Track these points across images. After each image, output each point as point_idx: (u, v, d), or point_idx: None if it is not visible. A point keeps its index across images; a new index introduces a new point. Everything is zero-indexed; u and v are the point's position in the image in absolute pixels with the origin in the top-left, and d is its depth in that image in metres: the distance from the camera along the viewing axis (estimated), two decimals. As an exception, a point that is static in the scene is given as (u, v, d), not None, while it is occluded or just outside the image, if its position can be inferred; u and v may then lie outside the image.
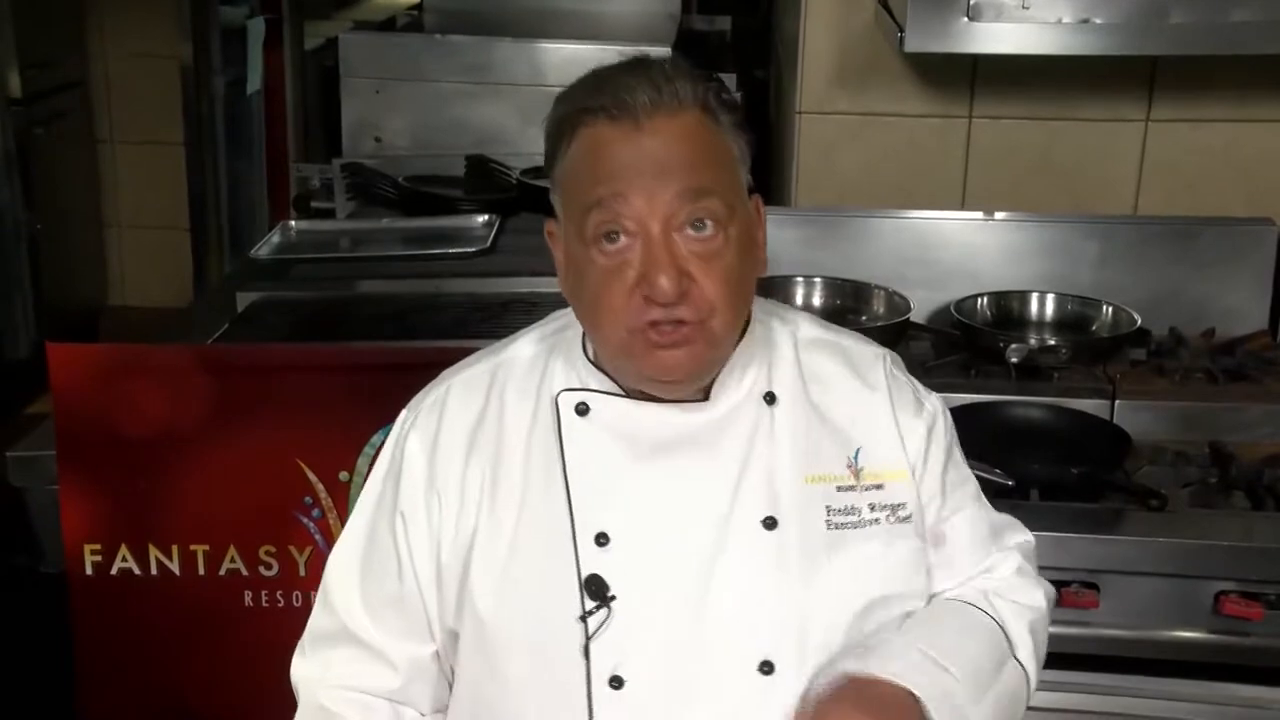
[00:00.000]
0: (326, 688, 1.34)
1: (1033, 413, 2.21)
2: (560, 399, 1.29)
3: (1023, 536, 1.46)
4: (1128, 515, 1.91)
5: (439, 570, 1.30)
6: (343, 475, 1.97)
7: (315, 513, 1.97)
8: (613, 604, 1.24)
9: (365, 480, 2.00)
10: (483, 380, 1.34)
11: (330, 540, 2.00)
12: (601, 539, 1.25)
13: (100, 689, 2.05)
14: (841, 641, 1.27)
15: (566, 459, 1.28)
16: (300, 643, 1.40)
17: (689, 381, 1.25)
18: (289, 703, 1.40)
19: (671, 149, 1.18)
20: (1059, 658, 1.86)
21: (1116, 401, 2.23)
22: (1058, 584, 1.84)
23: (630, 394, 1.28)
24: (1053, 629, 1.84)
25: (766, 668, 1.24)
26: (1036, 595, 1.42)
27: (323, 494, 1.97)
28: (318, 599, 1.39)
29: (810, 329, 1.38)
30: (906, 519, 1.32)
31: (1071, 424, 2.18)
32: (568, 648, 1.24)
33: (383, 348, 2.19)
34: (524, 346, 1.36)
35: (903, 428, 1.34)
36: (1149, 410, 2.22)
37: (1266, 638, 1.83)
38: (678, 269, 1.17)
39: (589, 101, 1.20)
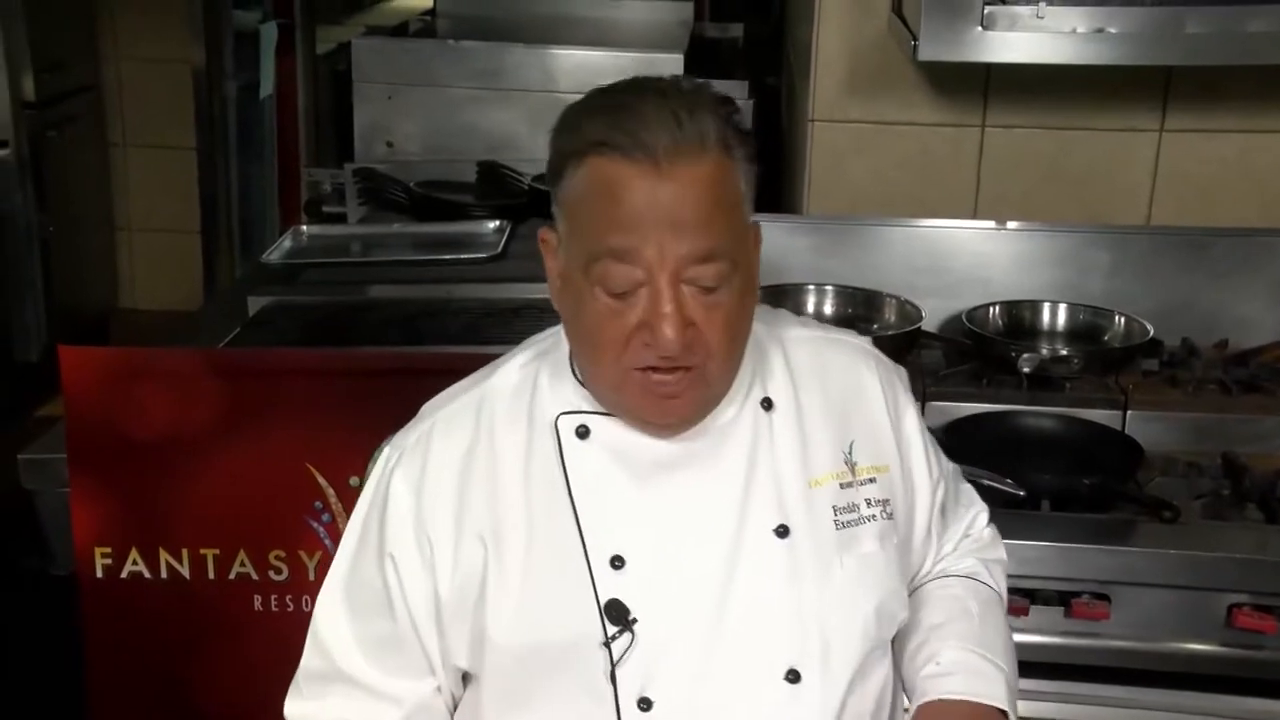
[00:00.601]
0: None
1: (1044, 423, 2.21)
2: (560, 423, 1.27)
3: (966, 483, 1.51)
4: (1139, 526, 1.90)
5: (438, 609, 1.28)
6: (353, 480, 1.97)
7: (325, 517, 1.97)
8: (635, 627, 1.22)
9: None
10: (468, 413, 1.31)
11: (338, 544, 2.00)
12: (617, 562, 1.23)
13: (111, 692, 2.05)
14: (861, 644, 1.27)
15: (571, 484, 1.26)
16: (294, 681, 1.38)
17: (682, 426, 1.25)
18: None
19: (688, 201, 1.15)
20: (1069, 669, 1.86)
21: (1128, 412, 2.22)
22: (1068, 595, 1.85)
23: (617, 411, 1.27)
24: (1064, 640, 1.85)
25: (793, 676, 1.23)
26: (1002, 547, 1.50)
27: (333, 499, 1.97)
28: (308, 639, 1.37)
29: (794, 330, 1.38)
30: (891, 516, 1.33)
31: (1083, 434, 2.18)
32: (593, 675, 1.23)
33: (394, 353, 2.19)
34: (507, 375, 1.33)
35: (897, 409, 1.36)
36: (1161, 421, 2.22)
37: (1279, 651, 1.82)
38: (682, 319, 1.16)
39: (605, 135, 1.16)
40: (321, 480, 1.96)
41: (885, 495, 1.32)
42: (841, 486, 1.30)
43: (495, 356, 1.42)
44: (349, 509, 1.98)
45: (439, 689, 1.32)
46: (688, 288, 1.16)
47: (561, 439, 1.27)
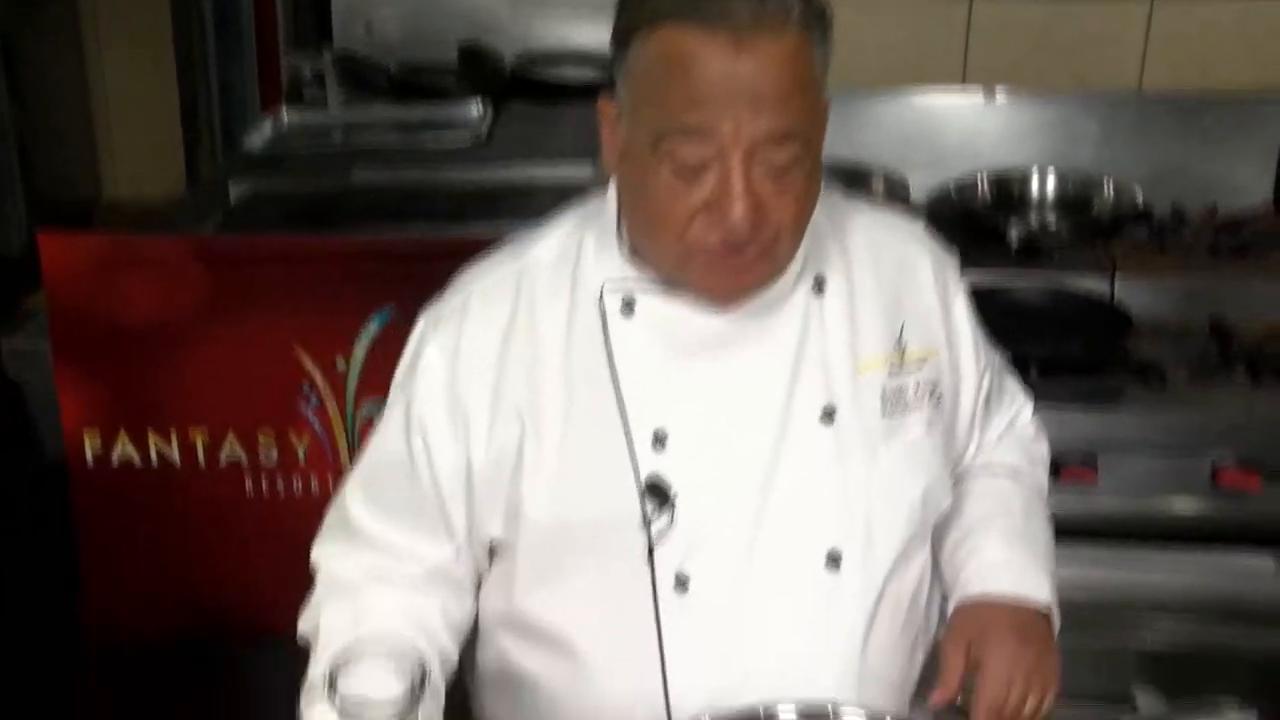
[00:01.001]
0: (345, 568, 1.32)
1: (1033, 295, 2.20)
2: (605, 297, 1.24)
3: (1011, 377, 1.48)
4: (1127, 391, 1.91)
5: (469, 479, 1.26)
6: (340, 364, 1.96)
7: (313, 401, 1.97)
8: (675, 508, 1.20)
9: (363, 369, 2.04)
10: (507, 286, 1.28)
11: (329, 429, 2.00)
12: (659, 440, 1.21)
13: (106, 581, 2.07)
14: (905, 529, 1.26)
15: (615, 359, 1.23)
16: (322, 527, 1.37)
17: (741, 300, 1.21)
18: (294, 590, 1.39)
19: (768, 78, 1.09)
20: (1059, 531, 1.87)
21: (1117, 281, 2.21)
22: (1055, 461, 1.86)
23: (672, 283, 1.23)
24: (1053, 503, 1.86)
25: (834, 558, 1.22)
26: (1045, 443, 1.49)
27: (320, 382, 1.97)
28: (338, 492, 1.36)
29: (849, 210, 1.34)
30: (939, 399, 1.30)
31: (1072, 305, 2.18)
32: (630, 554, 1.21)
33: (379, 237, 2.18)
34: (548, 248, 1.29)
35: (948, 295, 1.34)
36: (1150, 289, 2.21)
37: (1263, 509, 1.84)
38: (753, 200, 1.12)
39: (683, 4, 1.09)
40: (309, 363, 1.96)
41: (933, 381, 1.29)
42: (890, 372, 1.27)
43: (482, 241, 1.38)
44: (336, 392, 2.00)
45: (458, 557, 1.30)
46: (759, 167, 1.12)
47: (606, 313, 1.23)
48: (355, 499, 1.33)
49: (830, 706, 1.09)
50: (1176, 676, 1.86)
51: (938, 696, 1.21)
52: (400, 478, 1.29)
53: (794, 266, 1.23)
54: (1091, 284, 2.21)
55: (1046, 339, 2.05)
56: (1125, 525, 1.88)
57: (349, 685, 1.01)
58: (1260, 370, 1.97)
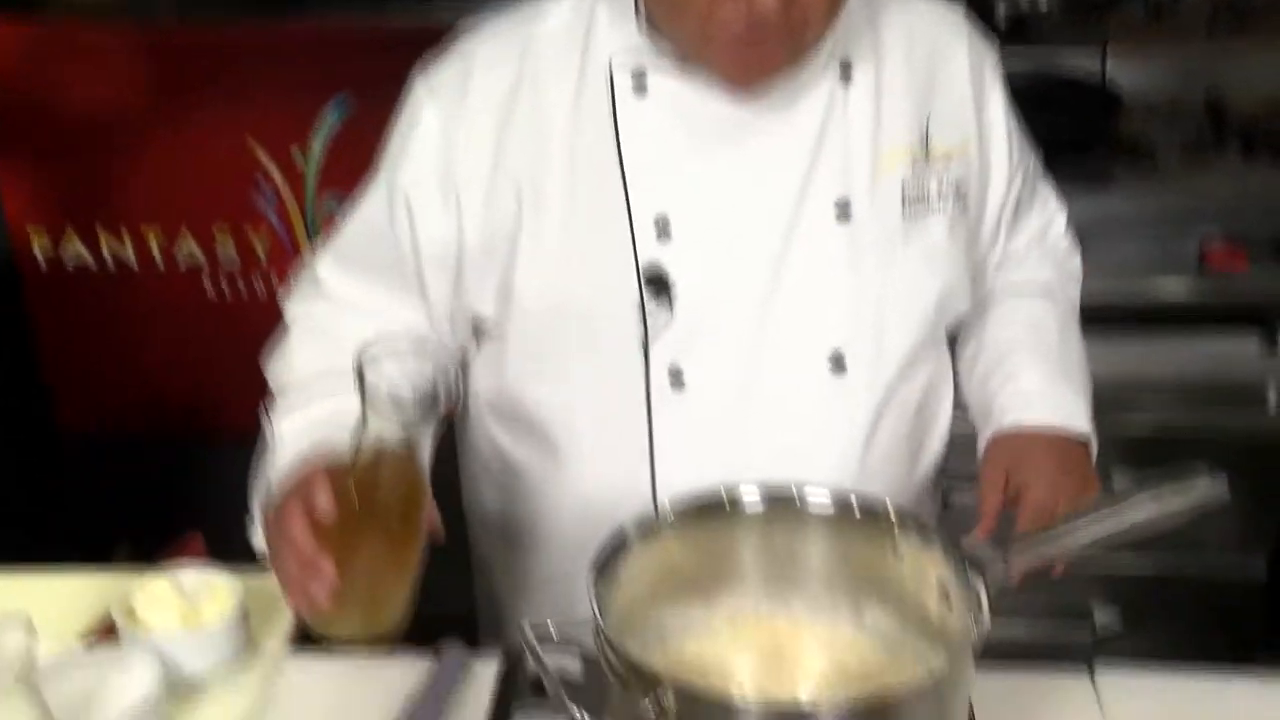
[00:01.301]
0: (319, 321, 1.26)
1: (1019, 80, 2.11)
2: (615, 72, 1.16)
3: (1046, 184, 1.41)
4: (1116, 172, 1.85)
5: (459, 254, 1.20)
6: (297, 157, 1.90)
7: (270, 196, 1.91)
8: (674, 300, 1.15)
9: (321, 162, 1.97)
10: (511, 53, 1.19)
11: (288, 224, 1.95)
12: (661, 227, 1.15)
13: (70, 384, 2.06)
14: (917, 332, 1.21)
15: (621, 138, 1.16)
16: (293, 292, 1.31)
17: (765, 85, 1.14)
18: (257, 390, 1.36)
19: None
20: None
21: (1110, 59, 2.13)
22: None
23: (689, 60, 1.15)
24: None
25: (838, 365, 1.18)
26: (1078, 257, 1.42)
27: (277, 175, 1.90)
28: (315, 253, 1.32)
29: None
30: (964, 199, 1.24)
31: (1061, 88, 2.09)
32: (625, 346, 1.17)
33: (331, 24, 2.08)
34: (557, 16, 1.20)
35: (983, 88, 1.26)
36: (1144, 66, 2.13)
37: (1250, 287, 1.81)
38: None
39: None
40: (263, 156, 1.89)
41: (959, 179, 1.22)
42: (914, 167, 1.20)
43: (442, 29, 1.27)
44: (294, 186, 1.93)
45: (433, 327, 1.25)
46: None
47: (616, 89, 1.16)
48: (325, 263, 1.27)
49: (794, 487, 1.06)
50: (1157, 459, 1.86)
51: (978, 530, 1.16)
52: (378, 241, 1.23)
53: (820, 54, 1.15)
54: (1083, 62, 2.12)
55: (1035, 123, 1.97)
56: (1111, 309, 1.85)
57: (378, 377, 0.94)
58: (1254, 145, 1.91)
